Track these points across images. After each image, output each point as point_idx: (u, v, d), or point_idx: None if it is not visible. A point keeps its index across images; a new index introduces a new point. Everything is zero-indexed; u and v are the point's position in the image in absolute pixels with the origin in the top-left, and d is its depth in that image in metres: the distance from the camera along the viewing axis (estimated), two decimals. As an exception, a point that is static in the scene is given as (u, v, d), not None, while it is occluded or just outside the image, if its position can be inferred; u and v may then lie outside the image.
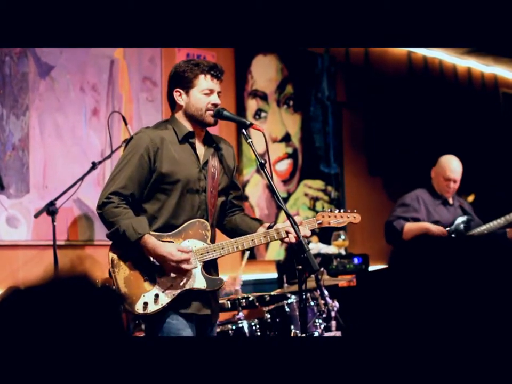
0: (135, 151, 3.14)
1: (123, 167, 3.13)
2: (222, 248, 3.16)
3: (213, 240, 3.22)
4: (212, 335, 3.29)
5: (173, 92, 3.23)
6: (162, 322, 3.09)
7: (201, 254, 3.15)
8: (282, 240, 3.18)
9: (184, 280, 3.11)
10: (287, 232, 3.12)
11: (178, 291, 3.10)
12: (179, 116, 3.25)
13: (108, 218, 3.07)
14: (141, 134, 3.20)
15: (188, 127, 3.23)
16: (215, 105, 3.20)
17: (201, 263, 3.15)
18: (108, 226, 3.10)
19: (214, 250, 3.16)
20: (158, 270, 3.10)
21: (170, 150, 3.17)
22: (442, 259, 1.09)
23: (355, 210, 3.38)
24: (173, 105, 3.29)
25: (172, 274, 3.10)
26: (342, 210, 3.36)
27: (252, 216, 3.48)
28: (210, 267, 3.21)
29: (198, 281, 3.14)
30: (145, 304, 3.07)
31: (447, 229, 4.92)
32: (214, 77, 3.20)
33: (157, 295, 3.08)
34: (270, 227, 3.20)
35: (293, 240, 3.09)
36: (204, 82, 3.18)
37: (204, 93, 3.18)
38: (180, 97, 3.22)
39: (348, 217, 3.34)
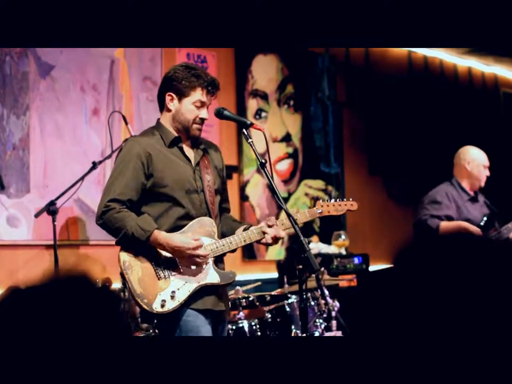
0: (127, 159, 3.16)
1: (117, 176, 3.15)
2: (231, 243, 3.20)
3: (219, 236, 3.26)
4: (223, 332, 3.30)
5: (165, 94, 3.25)
6: (179, 320, 3.10)
7: (211, 250, 3.18)
8: (258, 241, 3.23)
9: (198, 275, 3.14)
10: (264, 233, 3.18)
11: (194, 287, 3.12)
12: (165, 120, 3.28)
13: (113, 225, 3.07)
14: (130, 142, 3.24)
15: (174, 132, 3.26)
16: (202, 119, 3.23)
17: (213, 258, 3.19)
18: (114, 234, 3.10)
19: (223, 245, 3.20)
20: (171, 267, 3.12)
21: (161, 154, 3.20)
22: (479, 260, 1.07)
23: (351, 199, 3.44)
24: (162, 105, 3.31)
25: (186, 270, 3.12)
26: (338, 200, 3.42)
27: (234, 218, 3.52)
28: (218, 263, 3.25)
29: (211, 276, 3.17)
30: (163, 301, 3.08)
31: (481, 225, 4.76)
32: (209, 93, 3.22)
33: (173, 292, 3.09)
34: (245, 229, 3.25)
35: (270, 241, 3.17)
36: (199, 95, 3.20)
37: (195, 105, 3.21)
38: (171, 102, 3.24)
39: (346, 205, 3.40)
